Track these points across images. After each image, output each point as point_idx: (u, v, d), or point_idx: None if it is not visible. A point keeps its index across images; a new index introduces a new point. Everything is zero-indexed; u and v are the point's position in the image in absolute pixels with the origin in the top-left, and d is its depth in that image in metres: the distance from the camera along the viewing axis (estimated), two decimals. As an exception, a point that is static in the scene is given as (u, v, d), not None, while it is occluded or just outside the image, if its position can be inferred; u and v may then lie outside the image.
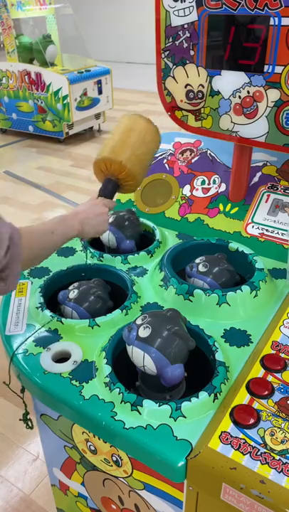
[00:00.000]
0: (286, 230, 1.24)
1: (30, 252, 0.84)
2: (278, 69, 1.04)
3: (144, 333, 0.82)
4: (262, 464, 0.70)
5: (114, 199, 1.17)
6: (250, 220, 1.30)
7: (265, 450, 0.71)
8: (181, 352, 0.82)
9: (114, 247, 1.29)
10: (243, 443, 0.73)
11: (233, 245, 1.21)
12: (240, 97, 1.13)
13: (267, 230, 1.26)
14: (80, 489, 1.11)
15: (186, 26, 1.14)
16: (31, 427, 1.02)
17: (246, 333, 0.98)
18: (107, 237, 1.29)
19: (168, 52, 1.20)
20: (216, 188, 1.39)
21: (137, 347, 0.82)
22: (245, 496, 0.68)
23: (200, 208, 1.38)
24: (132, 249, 1.29)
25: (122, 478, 0.93)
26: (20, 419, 1.01)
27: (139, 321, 0.85)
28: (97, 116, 5.57)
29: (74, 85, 4.94)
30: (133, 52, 9.97)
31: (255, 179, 1.35)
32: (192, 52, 1.16)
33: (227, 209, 1.34)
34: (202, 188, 1.41)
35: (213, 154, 1.44)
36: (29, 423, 1.03)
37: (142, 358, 0.81)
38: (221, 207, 1.35)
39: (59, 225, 0.96)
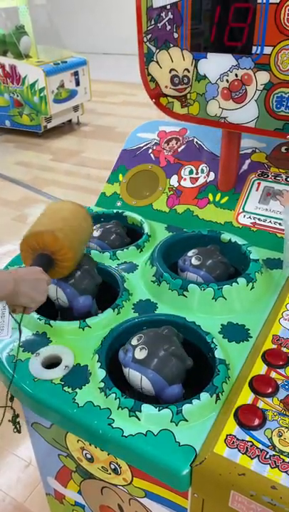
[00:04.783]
0: (278, 218, 1.20)
1: None
2: (267, 50, 0.99)
3: (140, 354, 0.79)
4: (272, 468, 0.66)
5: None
6: (241, 210, 1.25)
7: (274, 452, 0.67)
8: (178, 372, 0.80)
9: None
10: (250, 446, 0.69)
11: (226, 236, 1.16)
12: (227, 80, 1.08)
13: (259, 219, 1.22)
14: (76, 498, 1.06)
15: (168, 7, 1.08)
16: (19, 431, 0.96)
17: (244, 327, 0.94)
18: (95, 247, 1.22)
19: (150, 35, 1.14)
20: (205, 177, 1.34)
21: (134, 369, 0.79)
22: (256, 503, 0.64)
23: (189, 199, 1.33)
24: None
25: (122, 486, 0.88)
26: (9, 420, 0.95)
27: (134, 342, 0.82)
28: (76, 108, 5.46)
29: (50, 77, 4.81)
30: (109, 42, 9.81)
31: (245, 167, 1.31)
32: (176, 35, 1.10)
33: (217, 199, 1.29)
34: (190, 177, 1.36)
35: (199, 142, 1.39)
36: (17, 426, 0.96)
37: (140, 380, 0.79)
38: (210, 197, 1.30)
39: None
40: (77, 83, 5.21)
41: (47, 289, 0.89)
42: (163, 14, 1.10)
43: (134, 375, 0.79)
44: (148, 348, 0.79)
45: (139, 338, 0.82)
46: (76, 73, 5.15)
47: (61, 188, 4.03)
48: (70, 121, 5.61)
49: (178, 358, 0.80)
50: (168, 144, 1.44)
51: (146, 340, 0.81)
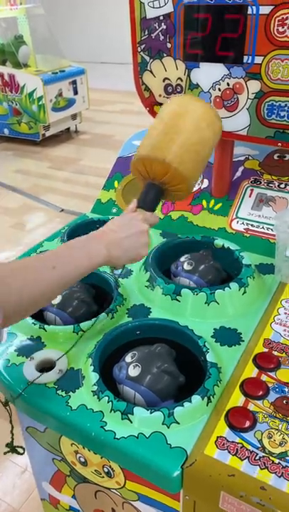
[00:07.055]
0: (271, 224, 1.22)
1: (17, 295, 0.67)
2: (258, 59, 1.01)
3: (134, 372, 0.81)
4: (261, 469, 0.66)
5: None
6: (234, 216, 1.27)
7: (264, 454, 0.68)
8: (171, 389, 0.81)
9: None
10: (241, 448, 0.70)
11: (219, 242, 1.18)
12: (219, 89, 1.10)
13: (252, 225, 1.23)
14: (71, 502, 1.07)
15: (161, 18, 1.11)
16: (22, 453, 0.94)
17: (237, 331, 0.95)
18: None
19: (144, 45, 1.17)
20: (199, 184, 1.36)
21: (128, 386, 0.80)
22: (246, 503, 0.65)
23: (183, 205, 1.34)
24: None
25: (115, 489, 0.89)
26: (7, 452, 0.92)
27: (128, 359, 0.83)
28: (74, 116, 5.50)
29: (49, 86, 4.86)
30: (107, 52, 9.91)
31: (238, 174, 1.33)
32: (169, 45, 1.13)
33: (211, 205, 1.31)
34: (184, 184, 1.38)
35: (194, 150, 1.41)
36: (19, 450, 0.93)
37: (133, 397, 0.80)
38: (204, 203, 1.32)
39: (70, 254, 0.76)
40: (76, 92, 5.26)
41: (147, 241, 0.83)
42: (156, 25, 1.12)
43: (128, 392, 0.81)
44: (141, 366, 0.81)
45: (133, 355, 0.83)
46: (74, 82, 5.20)
47: (59, 195, 4.05)
48: (68, 129, 5.65)
49: (170, 375, 0.81)
50: (163, 152, 1.46)
51: (140, 357, 0.82)
